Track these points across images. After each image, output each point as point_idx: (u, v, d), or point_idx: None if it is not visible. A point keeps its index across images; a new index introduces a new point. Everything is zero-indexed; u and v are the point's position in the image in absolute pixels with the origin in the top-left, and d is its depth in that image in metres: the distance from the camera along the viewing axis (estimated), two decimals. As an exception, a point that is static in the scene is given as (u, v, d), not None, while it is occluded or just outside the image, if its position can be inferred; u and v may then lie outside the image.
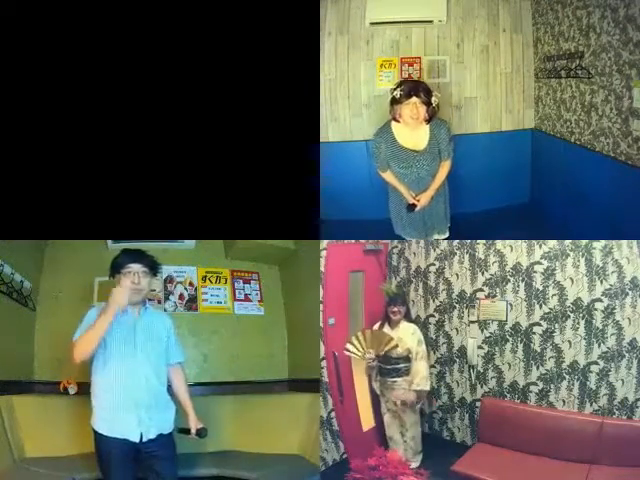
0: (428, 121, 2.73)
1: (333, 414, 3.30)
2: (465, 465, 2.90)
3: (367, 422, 3.58)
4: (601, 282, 3.03)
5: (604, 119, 3.02)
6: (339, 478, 2.70)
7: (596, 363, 3.04)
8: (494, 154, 4.05)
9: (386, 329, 3.26)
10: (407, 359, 3.21)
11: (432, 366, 3.73)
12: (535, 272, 3.27)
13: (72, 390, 3.37)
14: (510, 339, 3.37)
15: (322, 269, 3.26)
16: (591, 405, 3.05)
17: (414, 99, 2.63)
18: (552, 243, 3.21)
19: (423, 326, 3.77)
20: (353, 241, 3.65)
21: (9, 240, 2.99)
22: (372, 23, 3.88)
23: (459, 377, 3.64)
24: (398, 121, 2.75)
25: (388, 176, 3.00)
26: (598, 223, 3.10)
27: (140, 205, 2.81)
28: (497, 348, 3.43)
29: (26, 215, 2.74)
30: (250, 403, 3.34)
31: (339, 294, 3.43)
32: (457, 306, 3.63)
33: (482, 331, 3.50)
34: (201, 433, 2.40)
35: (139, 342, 2.27)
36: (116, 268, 2.29)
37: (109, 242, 3.83)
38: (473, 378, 3.55)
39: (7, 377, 3.07)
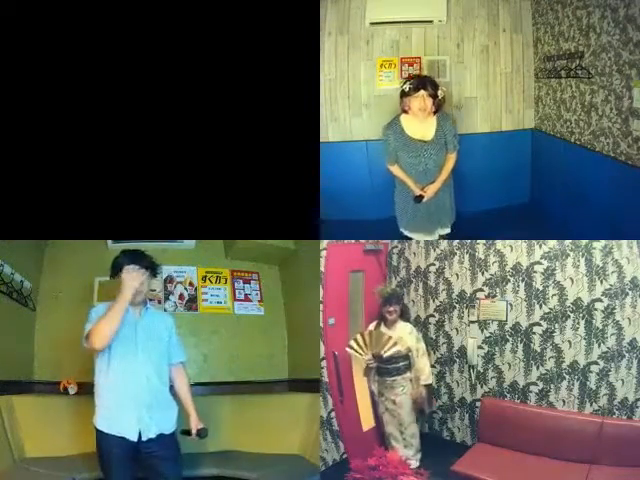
0: (435, 112, 2.91)
1: (333, 414, 3.30)
2: (465, 465, 2.90)
3: (367, 422, 3.58)
4: (601, 282, 3.03)
5: (604, 119, 3.02)
6: (339, 478, 2.70)
7: (596, 363, 3.04)
8: (494, 154, 4.05)
9: (383, 329, 3.27)
10: (406, 357, 3.22)
11: (432, 366, 3.73)
12: (535, 272, 3.26)
13: (72, 390, 3.37)
14: (510, 339, 3.37)
15: (322, 269, 3.26)
16: (591, 405, 3.05)
17: (422, 92, 2.82)
18: (552, 243, 3.21)
19: (423, 326, 3.77)
20: (353, 241, 3.65)
21: (9, 240, 2.99)
22: (372, 23, 3.88)
23: (459, 377, 3.64)
24: (407, 112, 2.92)
25: (396, 169, 3.09)
26: (598, 223, 3.10)
27: (140, 205, 2.81)
28: (497, 348, 3.43)
29: (26, 215, 2.74)
30: (250, 403, 3.34)
31: (339, 294, 3.43)
32: (457, 306, 3.63)
33: (482, 331, 3.50)
34: (201, 433, 2.41)
35: (140, 342, 2.28)
36: (116, 269, 2.30)
37: (109, 242, 3.83)
38: (473, 378, 3.55)
39: (7, 377, 3.07)
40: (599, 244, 3.04)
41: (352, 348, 3.18)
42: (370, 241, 3.79)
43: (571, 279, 3.13)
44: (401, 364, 3.21)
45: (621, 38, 2.74)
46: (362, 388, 3.52)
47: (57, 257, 3.76)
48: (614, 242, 2.98)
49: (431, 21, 3.88)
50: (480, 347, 3.51)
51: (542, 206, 3.96)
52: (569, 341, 3.13)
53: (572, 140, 3.45)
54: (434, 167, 3.04)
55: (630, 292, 2.94)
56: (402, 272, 3.94)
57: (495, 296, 3.44)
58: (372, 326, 3.32)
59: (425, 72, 3.85)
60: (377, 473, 2.59)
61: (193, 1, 2.81)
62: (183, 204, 2.84)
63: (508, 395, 3.37)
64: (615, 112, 2.89)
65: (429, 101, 2.84)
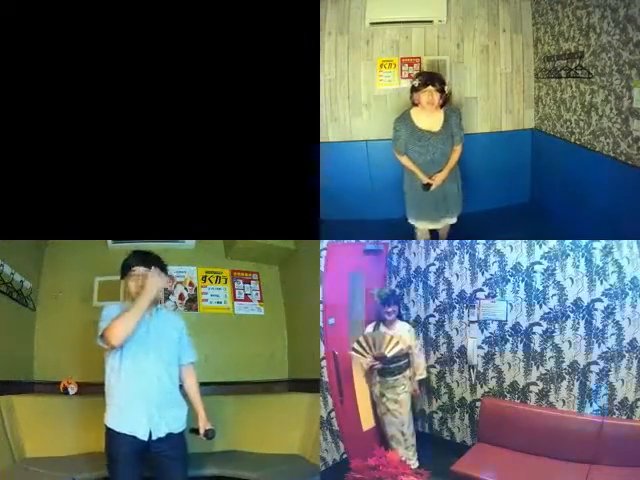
0: (442, 106, 3.14)
1: (333, 414, 3.30)
2: (465, 465, 2.90)
3: (367, 422, 3.58)
4: (601, 282, 3.03)
5: (604, 119, 3.02)
6: (339, 478, 2.70)
7: (596, 363, 3.04)
8: (494, 154, 4.05)
9: (382, 329, 3.27)
10: (406, 355, 3.24)
11: (432, 366, 3.73)
12: (535, 272, 3.26)
13: (72, 390, 3.38)
14: (510, 339, 3.37)
15: (322, 269, 3.26)
16: (591, 405, 3.05)
17: (430, 87, 3.04)
18: (552, 243, 3.21)
19: (423, 326, 3.77)
20: (353, 241, 3.65)
21: (9, 240, 2.99)
22: (372, 23, 3.88)
23: (459, 377, 3.63)
24: (417, 106, 3.14)
25: (404, 160, 3.26)
26: (598, 223, 3.10)
27: (140, 205, 2.81)
28: (497, 348, 3.43)
29: (26, 215, 2.74)
30: (250, 403, 3.34)
31: (339, 294, 3.43)
32: (457, 306, 3.62)
33: (482, 331, 3.50)
34: (209, 434, 2.42)
35: (151, 342, 2.29)
36: (125, 270, 2.33)
37: (109, 242, 3.83)
38: (473, 378, 3.55)
39: (7, 377, 3.07)
40: (599, 244, 3.04)
41: (356, 351, 3.17)
42: (370, 241, 3.79)
43: (571, 279, 3.13)
44: (402, 362, 3.23)
45: (621, 38, 2.74)
46: (362, 388, 3.52)
47: (57, 257, 3.75)
48: (614, 242, 2.98)
49: (431, 21, 3.88)
50: (480, 347, 3.51)
51: (542, 206, 3.96)
52: (569, 341, 3.13)
53: (572, 140, 3.45)
54: (441, 157, 3.21)
55: (630, 292, 2.94)
56: (402, 272, 3.94)
57: (495, 296, 3.44)
58: (371, 327, 3.32)
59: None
60: (377, 473, 2.59)
61: (193, 1, 2.81)
62: (183, 204, 2.84)
63: (508, 395, 3.37)
64: (615, 112, 2.89)
65: (437, 95, 3.05)
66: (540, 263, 3.25)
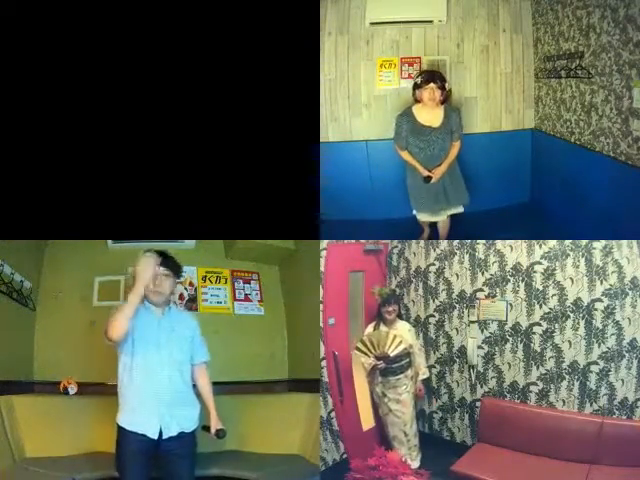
0: (442, 103, 3.28)
1: (333, 414, 3.30)
2: (465, 465, 2.90)
3: (367, 422, 3.58)
4: (601, 282, 3.03)
5: (604, 119, 3.02)
6: (339, 478, 2.70)
7: (596, 363, 3.04)
8: (494, 154, 4.05)
9: (383, 329, 3.27)
10: (407, 355, 3.24)
11: (432, 366, 3.73)
12: (535, 272, 3.26)
13: (72, 390, 3.38)
14: (510, 339, 3.37)
15: (322, 269, 3.26)
16: (591, 405, 3.05)
17: (432, 84, 3.20)
18: (552, 243, 3.21)
19: (423, 326, 3.77)
20: (353, 241, 3.65)
21: (9, 240, 2.99)
22: (372, 23, 3.88)
23: (459, 377, 3.63)
24: (419, 102, 3.30)
25: (405, 154, 3.40)
26: (598, 223, 3.10)
27: (140, 205, 2.81)
28: (497, 348, 3.43)
29: (26, 215, 2.74)
30: (250, 403, 3.34)
31: (339, 294, 3.43)
32: (457, 306, 3.62)
33: (482, 331, 3.50)
34: (219, 434, 2.41)
35: (162, 341, 2.30)
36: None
37: (109, 242, 3.83)
38: (473, 378, 3.55)
39: (7, 377, 3.07)
40: (599, 244, 3.04)
41: (360, 350, 3.17)
42: (370, 241, 3.79)
43: (571, 279, 3.13)
44: (404, 362, 3.23)
45: (621, 38, 2.74)
46: (362, 388, 3.52)
47: (57, 257, 3.75)
48: (614, 242, 2.98)
49: (431, 21, 3.88)
50: (480, 347, 3.51)
51: (542, 206, 3.96)
52: (569, 341, 3.13)
53: (572, 140, 3.45)
54: (440, 152, 3.34)
55: (630, 292, 2.94)
56: (402, 272, 3.94)
57: (495, 296, 3.44)
58: (371, 327, 3.32)
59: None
60: (377, 473, 2.59)
61: (193, 1, 2.81)
62: (183, 204, 2.84)
63: (508, 395, 3.37)
64: (615, 112, 2.89)
65: (437, 92, 3.21)
66: (540, 263, 3.25)
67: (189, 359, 2.42)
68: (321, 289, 3.25)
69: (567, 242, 3.14)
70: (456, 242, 3.64)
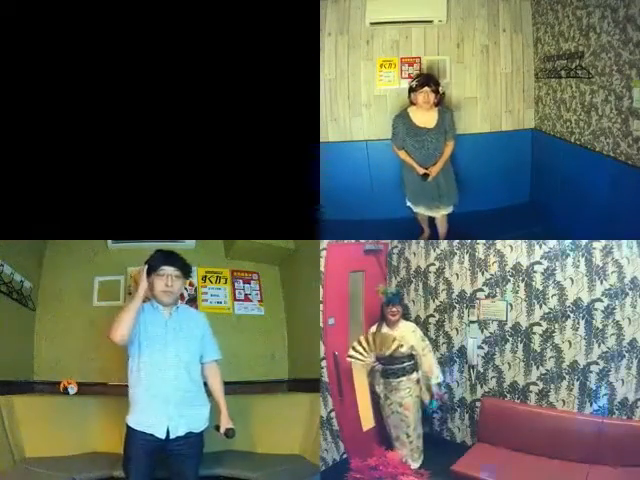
0: (436, 105, 3.43)
1: (333, 414, 3.30)
2: (465, 465, 2.90)
3: (367, 422, 3.58)
4: (601, 282, 3.03)
5: (604, 119, 3.02)
6: (339, 478, 2.70)
7: (596, 363, 3.04)
8: (494, 154, 4.05)
9: (385, 329, 3.26)
10: (411, 357, 3.22)
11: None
12: (535, 272, 3.27)
13: (72, 390, 3.38)
14: (510, 339, 3.37)
15: (322, 269, 3.26)
16: (591, 405, 3.05)
17: (426, 88, 3.34)
18: (552, 243, 3.21)
19: (423, 326, 3.77)
20: (353, 241, 3.65)
21: (9, 240, 2.99)
22: (372, 23, 3.87)
23: (459, 377, 3.64)
24: (414, 104, 3.44)
25: (402, 154, 3.53)
26: (598, 223, 3.10)
27: (140, 205, 2.81)
28: (497, 348, 3.43)
29: (26, 215, 2.74)
30: (250, 403, 3.34)
31: (339, 294, 3.43)
32: (457, 306, 3.63)
33: (482, 331, 3.50)
34: (228, 434, 2.39)
35: (170, 340, 2.30)
36: (150, 269, 2.33)
37: (109, 242, 3.83)
38: (473, 378, 3.55)
39: (7, 377, 3.07)
40: (599, 244, 3.04)
41: (352, 357, 3.16)
42: (370, 241, 3.79)
43: (571, 279, 3.13)
44: (406, 364, 3.21)
45: (621, 38, 2.74)
46: (362, 388, 3.52)
47: (57, 257, 3.76)
48: (614, 242, 2.98)
49: (431, 21, 3.88)
50: (480, 347, 3.51)
51: (542, 206, 3.96)
52: (569, 341, 3.13)
53: (572, 140, 3.45)
54: (435, 151, 3.47)
55: (630, 292, 2.94)
56: (402, 272, 3.94)
57: (495, 296, 3.44)
58: (374, 328, 3.31)
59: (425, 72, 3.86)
60: (377, 473, 2.59)
61: (193, 1, 2.81)
62: (183, 204, 2.84)
63: (508, 395, 3.37)
64: (615, 112, 2.89)
65: (432, 95, 3.36)
66: (540, 263, 3.25)
67: (198, 358, 2.41)
68: (321, 289, 3.25)
69: (567, 242, 3.15)
70: (456, 242, 3.64)
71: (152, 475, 2.27)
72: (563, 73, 3.45)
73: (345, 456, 3.33)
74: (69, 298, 3.69)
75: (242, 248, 3.96)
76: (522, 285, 3.32)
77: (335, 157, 3.81)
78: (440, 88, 3.43)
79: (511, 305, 3.36)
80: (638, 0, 2.58)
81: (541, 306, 3.24)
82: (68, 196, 2.77)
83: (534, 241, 3.27)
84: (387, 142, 3.68)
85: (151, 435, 2.22)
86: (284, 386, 3.90)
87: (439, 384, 3.27)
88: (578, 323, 3.10)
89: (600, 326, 3.02)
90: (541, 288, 3.24)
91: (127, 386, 2.34)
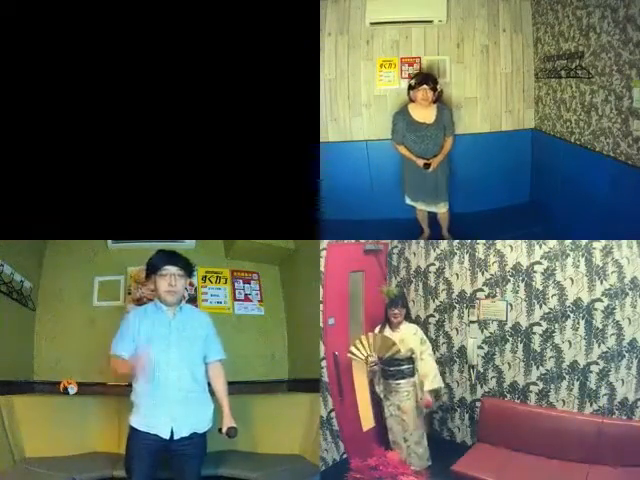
0: (435, 102, 3.53)
1: (333, 414, 3.30)
2: (465, 465, 2.90)
3: (367, 422, 3.58)
4: (601, 282, 3.03)
5: (604, 119, 3.02)
6: (339, 478, 2.69)
7: (596, 363, 3.04)
8: (494, 154, 4.05)
9: (387, 331, 3.26)
10: (410, 360, 3.20)
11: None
12: (535, 272, 3.26)
13: (72, 390, 3.38)
14: (510, 339, 3.37)
15: (322, 269, 3.26)
16: (591, 405, 3.05)
17: (425, 86, 3.45)
18: (552, 243, 3.21)
19: (423, 326, 3.77)
20: (353, 241, 3.65)
21: (9, 240, 2.99)
22: (372, 23, 3.87)
23: (459, 377, 3.64)
24: (414, 102, 3.55)
25: (402, 149, 3.61)
26: (598, 223, 3.10)
27: (140, 205, 2.81)
28: (497, 348, 3.43)
29: (26, 215, 2.74)
30: (250, 403, 3.34)
31: (339, 294, 3.43)
32: (457, 306, 3.63)
33: (482, 331, 3.50)
34: (230, 433, 2.37)
35: (173, 341, 2.29)
36: (152, 269, 2.33)
37: (109, 242, 3.83)
38: (473, 378, 3.55)
39: (7, 377, 3.07)
40: (599, 244, 3.04)
41: (353, 354, 3.16)
42: (370, 241, 3.79)
43: (571, 279, 3.13)
44: (404, 367, 3.19)
45: (621, 38, 2.74)
46: (362, 388, 3.52)
47: (57, 257, 3.76)
48: (614, 242, 2.98)
49: (431, 21, 3.88)
50: (480, 347, 3.51)
51: (542, 206, 3.96)
52: (569, 341, 3.13)
53: (572, 140, 3.45)
54: (434, 146, 3.56)
55: (630, 292, 2.94)
56: (402, 272, 3.94)
57: (495, 296, 3.44)
58: (377, 329, 3.30)
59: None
60: (377, 473, 2.58)
61: (193, 1, 2.81)
62: (183, 204, 2.84)
63: (508, 395, 3.37)
64: (615, 112, 2.89)
65: (430, 93, 3.46)
66: (540, 263, 3.25)
67: (202, 358, 2.40)
68: (321, 289, 3.25)
69: (567, 242, 3.15)
70: (456, 242, 3.64)
71: (154, 475, 2.27)
72: (563, 73, 3.45)
73: (345, 456, 3.33)
74: (69, 298, 3.69)
75: (242, 248, 3.96)
76: (522, 285, 3.32)
77: (335, 157, 3.81)
78: (438, 86, 3.53)
79: (511, 305, 3.36)
80: (638, 0, 2.59)
81: (541, 306, 3.24)
82: (68, 196, 2.77)
83: (534, 241, 3.27)
84: (387, 142, 3.69)
85: (155, 435, 2.21)
86: (284, 386, 3.90)
87: (434, 391, 3.20)
88: (578, 323, 3.10)
89: (600, 326, 3.02)
90: (541, 288, 3.24)
91: (127, 386, 2.34)
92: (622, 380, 2.96)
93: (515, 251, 3.36)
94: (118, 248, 3.86)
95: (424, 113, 3.53)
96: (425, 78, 3.50)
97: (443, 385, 3.29)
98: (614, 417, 2.96)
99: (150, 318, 2.31)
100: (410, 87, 3.54)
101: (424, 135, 3.54)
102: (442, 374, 3.69)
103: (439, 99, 3.59)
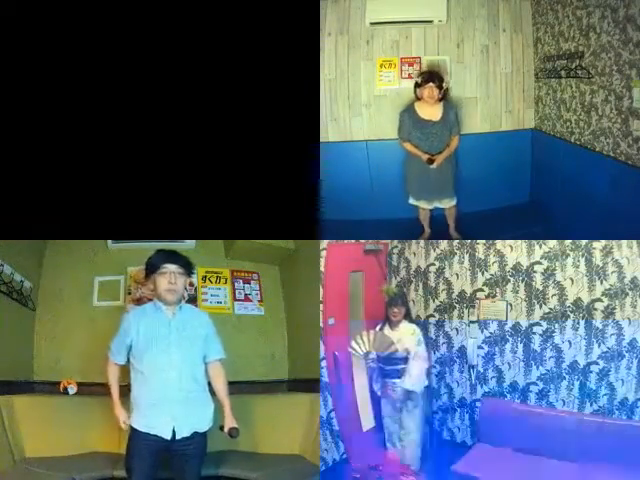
0: (441, 100, 3.56)
1: (333, 414, 3.30)
2: (465, 465, 2.90)
3: (367, 422, 3.58)
4: (601, 282, 3.03)
5: (604, 119, 3.02)
6: (339, 478, 2.71)
7: (596, 363, 3.04)
8: (494, 154, 4.05)
9: (386, 330, 3.25)
10: (406, 360, 3.20)
11: (432, 366, 3.73)
12: (535, 272, 3.26)
13: (72, 390, 3.38)
14: (510, 339, 3.37)
15: (322, 269, 3.26)
16: (591, 405, 3.05)
17: (431, 84, 3.48)
18: (552, 243, 3.21)
19: (423, 326, 3.77)
20: (353, 241, 3.65)
21: (9, 240, 2.99)
22: (372, 23, 3.88)
23: (459, 377, 3.64)
24: (420, 99, 3.58)
25: (408, 145, 3.64)
26: (598, 223, 3.10)
27: (140, 205, 2.81)
28: (497, 348, 3.43)
29: (26, 215, 2.74)
30: (250, 403, 3.34)
31: (339, 294, 3.43)
32: (457, 306, 3.63)
33: (482, 331, 3.50)
34: (232, 433, 2.37)
35: (173, 340, 2.29)
36: (151, 268, 2.33)
37: (109, 242, 3.83)
38: (473, 378, 3.55)
39: (7, 377, 3.07)
40: (599, 244, 3.04)
41: (353, 348, 3.17)
42: (370, 241, 3.79)
43: (571, 279, 3.13)
44: (401, 367, 3.18)
45: (621, 38, 2.74)
46: (362, 388, 3.52)
47: (57, 257, 3.75)
48: (614, 242, 2.98)
49: (431, 21, 3.88)
50: (480, 347, 3.51)
51: (542, 206, 3.96)
52: (569, 341, 3.13)
53: (572, 140, 3.45)
54: (439, 144, 3.59)
55: (630, 292, 2.94)
56: (402, 272, 3.94)
57: (495, 296, 3.44)
58: (377, 327, 3.30)
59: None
60: (377, 473, 2.59)
61: (193, 1, 2.81)
62: (183, 204, 2.84)
63: (508, 395, 3.37)
64: (615, 112, 2.89)
65: (436, 91, 3.49)
66: (540, 263, 3.25)
67: (202, 358, 2.39)
68: (321, 289, 3.25)
69: (567, 242, 3.15)
70: (456, 242, 3.64)
71: (155, 475, 2.27)
72: (563, 73, 3.45)
73: (345, 456, 3.34)
74: (69, 298, 3.69)
75: (242, 248, 3.96)
76: (522, 285, 3.32)
77: (335, 157, 3.81)
78: (444, 84, 3.56)
79: (511, 305, 3.36)
80: (638, 0, 2.59)
81: (541, 306, 3.24)
82: (68, 196, 2.77)
83: (534, 241, 3.27)
84: (387, 142, 3.70)
85: (156, 436, 2.21)
86: (284, 386, 3.90)
87: (410, 392, 3.11)
88: (578, 323, 3.10)
89: (600, 326, 3.02)
90: (541, 288, 3.24)
91: (127, 386, 2.34)
92: (622, 380, 2.96)
93: (515, 251, 3.36)
94: (118, 248, 3.86)
95: (430, 111, 3.56)
96: (431, 76, 3.54)
97: (417, 391, 3.14)
98: (614, 417, 2.96)
99: (149, 318, 2.31)
100: (416, 85, 3.58)
101: (430, 132, 3.57)
102: (442, 374, 3.71)
103: (445, 97, 3.62)
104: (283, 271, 4.25)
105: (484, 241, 3.49)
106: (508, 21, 3.95)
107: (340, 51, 3.94)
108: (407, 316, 3.30)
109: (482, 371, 3.50)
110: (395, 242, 3.98)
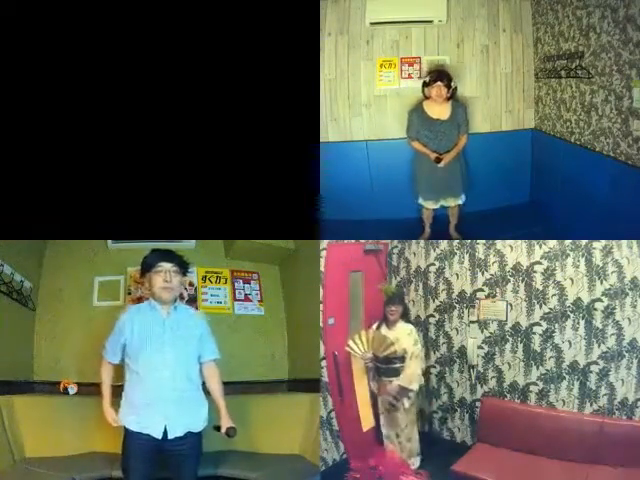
0: (449, 98, 3.56)
1: (333, 414, 3.30)
2: (465, 465, 2.90)
3: (367, 422, 3.58)
4: (601, 282, 3.03)
5: (604, 119, 3.02)
6: (339, 478, 2.71)
7: (596, 363, 3.04)
8: (494, 154, 4.05)
9: (383, 329, 3.26)
10: (403, 359, 3.21)
11: (432, 366, 3.74)
12: (535, 272, 3.26)
13: (72, 390, 3.38)
14: (510, 339, 3.37)
15: (322, 269, 3.26)
16: (591, 405, 3.05)
17: (439, 83, 3.48)
18: (552, 243, 3.21)
19: (423, 326, 3.77)
20: (353, 241, 3.65)
21: (9, 240, 2.99)
22: (372, 23, 3.88)
23: (459, 377, 3.64)
24: (428, 98, 3.59)
25: (416, 144, 3.64)
26: (598, 223, 3.10)
27: (140, 205, 2.81)
28: (497, 348, 3.43)
29: (26, 215, 2.74)
30: (250, 403, 3.34)
31: (339, 294, 3.43)
32: (457, 306, 3.63)
33: (482, 331, 3.50)
34: (229, 433, 2.37)
35: (167, 340, 2.29)
36: (147, 267, 2.33)
37: (109, 242, 3.83)
38: (473, 378, 3.55)
39: (7, 377, 3.07)
40: (599, 244, 3.04)
41: (351, 347, 3.18)
42: (370, 241, 3.79)
43: (571, 279, 3.13)
44: (397, 366, 3.19)
45: (621, 38, 2.74)
46: (362, 388, 3.52)
47: (57, 257, 3.76)
48: (614, 242, 2.98)
49: (431, 21, 3.88)
50: (480, 347, 3.51)
51: (542, 206, 3.96)
52: (569, 341, 3.13)
53: (572, 140, 3.45)
54: (448, 143, 3.58)
55: (630, 292, 2.94)
56: (402, 272, 3.94)
57: (495, 296, 3.44)
58: (374, 326, 3.31)
59: (425, 72, 3.86)
60: (377, 473, 2.60)
61: (193, 1, 2.81)
62: (183, 204, 2.84)
63: (508, 395, 3.37)
64: (615, 112, 2.89)
65: (444, 90, 3.50)
66: (540, 263, 3.25)
67: (196, 358, 2.39)
68: (321, 289, 3.25)
69: (567, 242, 3.15)
70: (456, 242, 3.64)
71: (151, 475, 2.27)
72: (563, 73, 3.45)
73: (345, 456, 3.34)
74: (69, 298, 3.69)
75: (242, 248, 3.96)
76: (522, 285, 3.32)
77: (335, 157, 3.82)
78: (452, 83, 3.56)
79: (511, 305, 3.36)
80: (638, 0, 2.59)
81: (541, 306, 3.24)
82: (68, 196, 2.77)
83: (534, 241, 3.27)
84: (387, 142, 3.69)
85: (148, 435, 2.21)
86: (284, 386, 3.90)
87: (406, 390, 3.15)
88: (578, 323, 3.10)
89: (600, 326, 3.02)
90: (541, 288, 3.24)
91: (122, 386, 2.34)
92: (622, 380, 2.96)
93: (515, 251, 3.36)
94: (118, 248, 3.86)
95: (439, 110, 3.57)
96: (439, 75, 3.54)
97: (414, 389, 3.19)
98: (614, 417, 2.96)
99: (144, 317, 2.31)
100: (425, 84, 3.59)
101: (438, 131, 3.57)
102: (442, 374, 3.71)
103: (453, 96, 3.62)
104: (283, 271, 4.25)
105: (484, 241, 3.49)
106: (508, 21, 3.95)
107: (340, 51, 3.93)
108: (404, 316, 3.31)
109: (482, 371, 3.50)
110: (395, 242, 3.98)
